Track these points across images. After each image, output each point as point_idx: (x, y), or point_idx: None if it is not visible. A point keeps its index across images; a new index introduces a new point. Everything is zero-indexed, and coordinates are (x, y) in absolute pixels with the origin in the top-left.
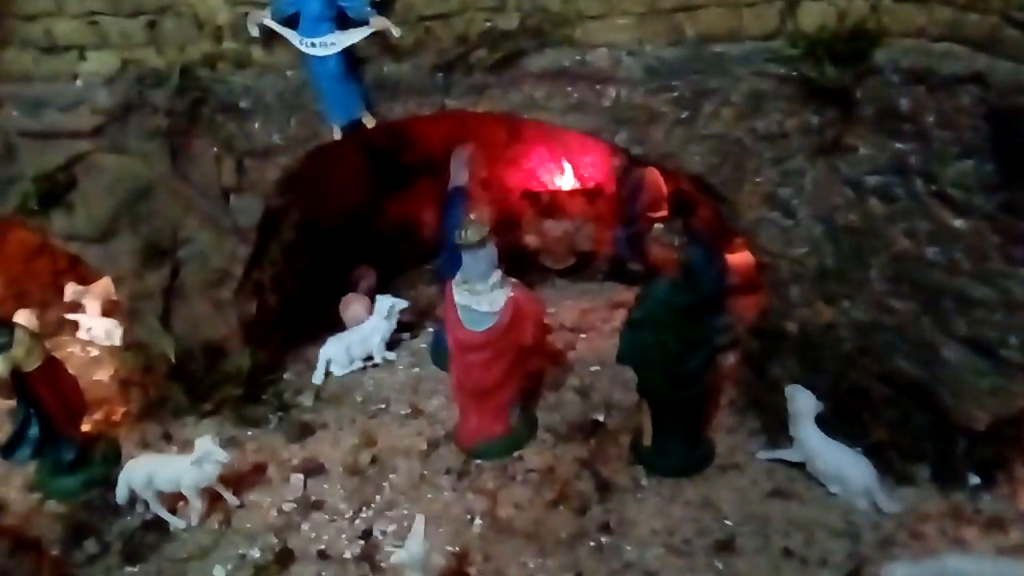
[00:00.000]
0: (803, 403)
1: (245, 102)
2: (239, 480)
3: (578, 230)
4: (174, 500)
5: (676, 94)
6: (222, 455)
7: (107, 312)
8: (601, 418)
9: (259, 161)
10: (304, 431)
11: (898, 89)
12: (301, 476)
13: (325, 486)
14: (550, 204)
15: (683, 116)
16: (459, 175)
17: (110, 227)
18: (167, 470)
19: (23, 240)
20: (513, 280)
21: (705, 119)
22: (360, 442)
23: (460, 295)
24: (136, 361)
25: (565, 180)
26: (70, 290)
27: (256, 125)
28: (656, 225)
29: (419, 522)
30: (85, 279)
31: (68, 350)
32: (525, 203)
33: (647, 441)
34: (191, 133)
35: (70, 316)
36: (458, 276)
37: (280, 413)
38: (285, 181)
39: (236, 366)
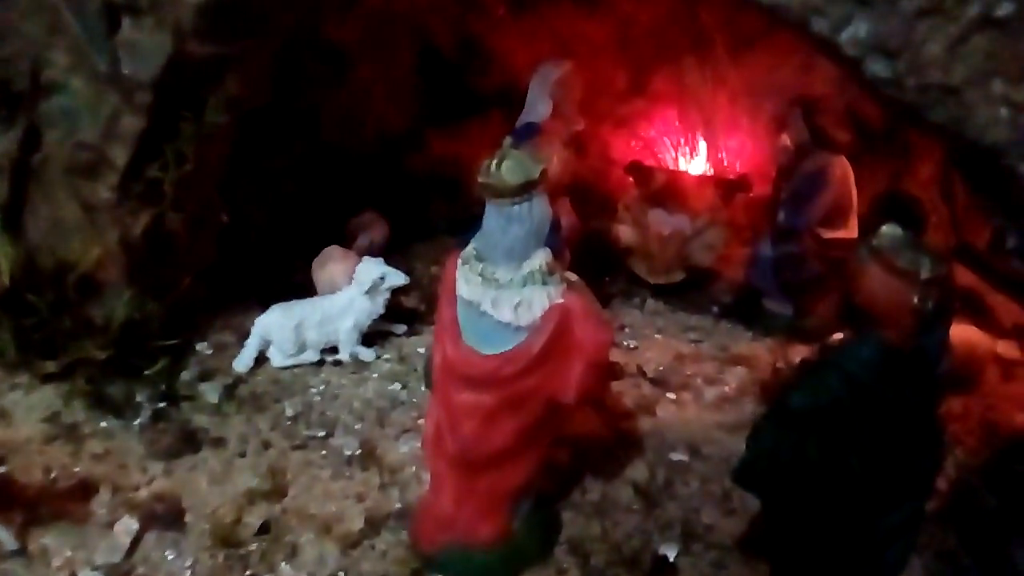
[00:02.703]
0: None
1: None
2: (43, 499)
3: (698, 234)
4: None
5: None
6: None
7: None
8: (672, 555)
9: None
10: (184, 444)
11: None
12: (136, 525)
13: (168, 555)
14: (665, 189)
15: (999, 13)
16: (538, 105)
17: None
18: None
19: None
20: (570, 278)
21: None
22: (259, 488)
23: (466, 281)
24: None
25: (695, 163)
26: None
27: None
28: (886, 228)
29: None
30: None
31: None
32: (628, 180)
33: None
34: None
35: None
36: (470, 246)
37: (161, 404)
38: (216, 11)
39: (107, 313)
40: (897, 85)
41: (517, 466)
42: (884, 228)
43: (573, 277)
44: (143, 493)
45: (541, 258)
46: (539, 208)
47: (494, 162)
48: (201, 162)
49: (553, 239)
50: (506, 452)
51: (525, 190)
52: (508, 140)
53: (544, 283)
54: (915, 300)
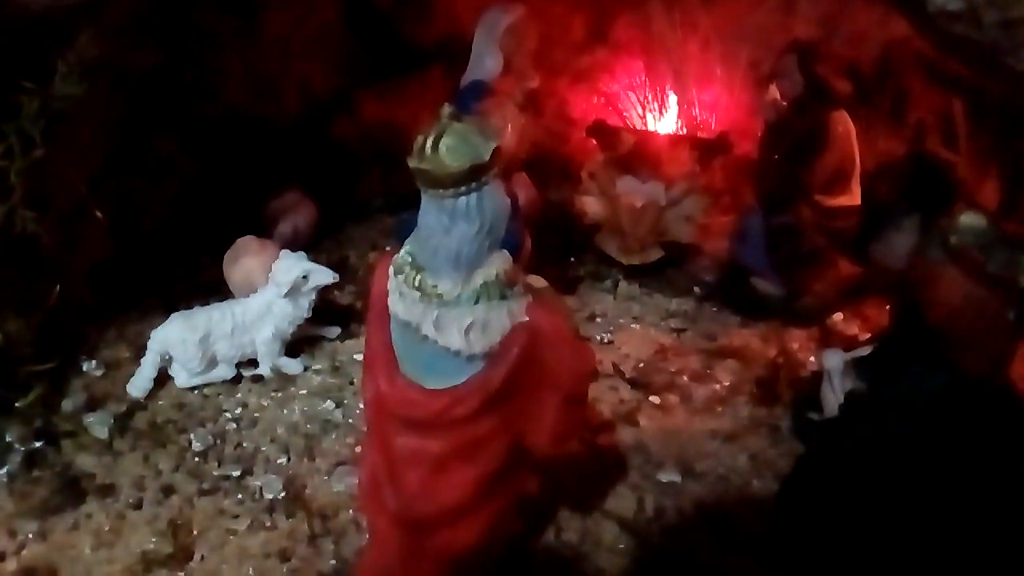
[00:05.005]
0: None
1: None
2: None
3: (674, 203)
4: None
5: None
6: None
7: None
8: None
9: None
10: (64, 496)
11: None
12: None
13: None
14: (634, 152)
15: None
16: (485, 59)
17: None
18: None
19: None
20: (537, 285)
21: None
22: (157, 551)
23: (401, 296)
24: None
25: (665, 121)
26: None
27: None
28: (965, 218)
29: None
30: None
31: None
32: (591, 143)
33: None
34: None
35: None
36: (403, 250)
37: (37, 444)
38: None
39: None
40: (971, 21)
41: (476, 524)
42: (963, 218)
43: (540, 283)
44: (9, 566)
45: (498, 265)
46: (492, 199)
47: (429, 140)
48: (61, 145)
49: (512, 236)
50: (460, 508)
51: (473, 177)
52: (447, 109)
53: (503, 297)
54: (1011, 315)
